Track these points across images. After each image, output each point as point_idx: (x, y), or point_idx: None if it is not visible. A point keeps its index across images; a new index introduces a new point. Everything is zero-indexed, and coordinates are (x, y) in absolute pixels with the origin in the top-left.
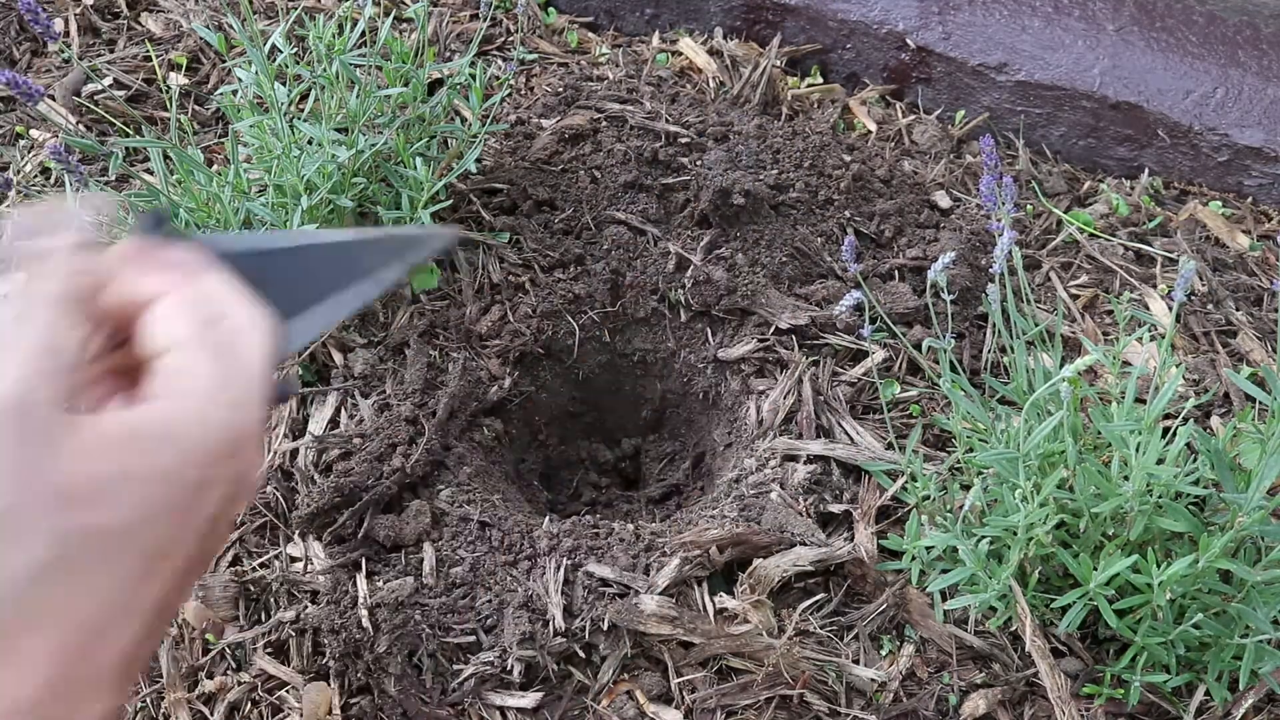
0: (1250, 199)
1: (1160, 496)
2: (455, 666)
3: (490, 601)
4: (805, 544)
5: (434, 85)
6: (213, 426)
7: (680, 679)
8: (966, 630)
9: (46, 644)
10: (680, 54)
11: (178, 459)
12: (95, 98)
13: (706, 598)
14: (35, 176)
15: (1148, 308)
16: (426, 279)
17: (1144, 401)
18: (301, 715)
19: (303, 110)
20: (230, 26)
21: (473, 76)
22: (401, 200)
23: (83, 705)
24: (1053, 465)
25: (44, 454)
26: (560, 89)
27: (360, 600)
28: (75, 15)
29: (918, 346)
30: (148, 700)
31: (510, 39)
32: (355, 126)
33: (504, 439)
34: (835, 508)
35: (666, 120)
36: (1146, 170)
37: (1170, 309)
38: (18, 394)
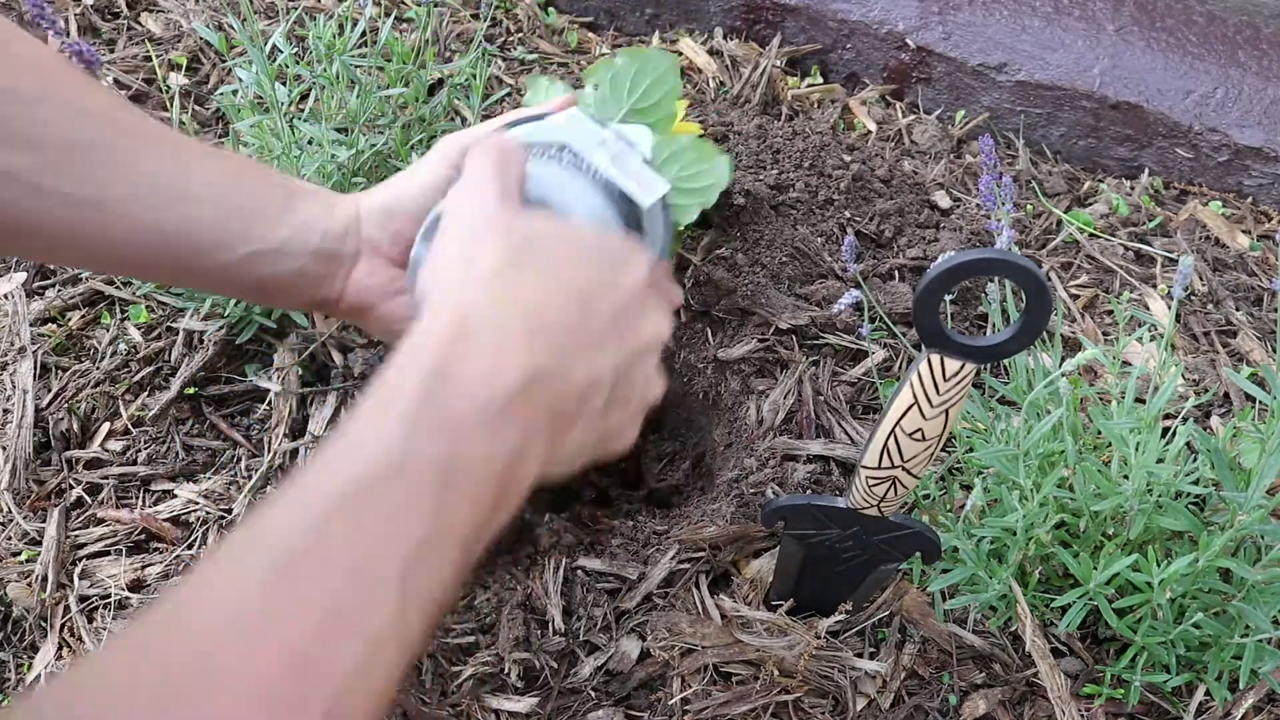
0: (1250, 199)
1: (1160, 496)
2: (454, 668)
3: (489, 600)
4: None
5: (434, 86)
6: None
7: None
8: (966, 630)
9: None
10: (680, 54)
11: (587, 239)
12: None
13: (708, 598)
14: None
15: (1148, 308)
16: None
17: (1144, 401)
18: None
19: (303, 110)
20: (230, 26)
21: (474, 75)
22: None
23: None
24: (1052, 464)
25: (511, 219)
26: None
27: None
28: (75, 15)
29: (918, 346)
30: None
31: (510, 39)
32: (355, 126)
33: None
34: None
35: None
36: (1146, 170)
37: (1170, 308)
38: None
